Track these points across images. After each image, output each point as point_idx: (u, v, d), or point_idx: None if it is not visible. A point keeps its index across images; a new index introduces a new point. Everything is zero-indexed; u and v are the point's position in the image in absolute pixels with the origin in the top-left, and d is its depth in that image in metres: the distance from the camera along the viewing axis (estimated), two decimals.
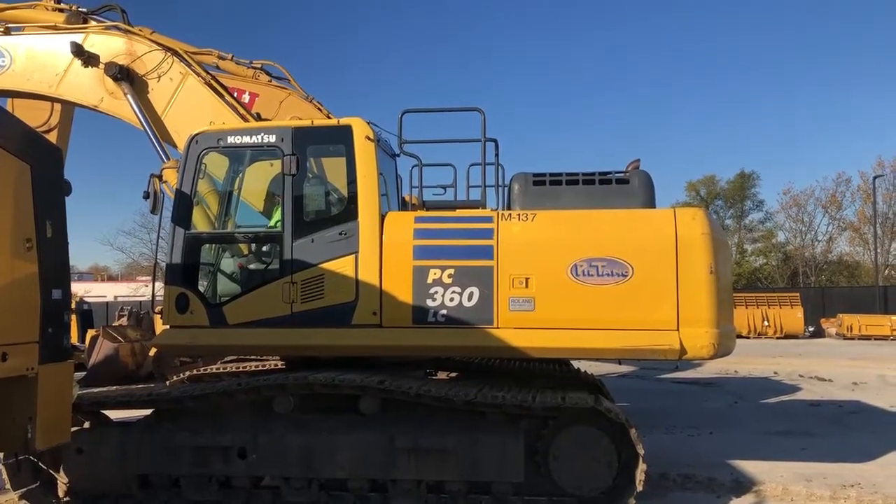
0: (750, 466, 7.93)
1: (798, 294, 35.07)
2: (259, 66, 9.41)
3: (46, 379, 4.50)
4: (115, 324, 17.01)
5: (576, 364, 8.62)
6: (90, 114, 8.64)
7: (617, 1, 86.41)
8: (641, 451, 5.81)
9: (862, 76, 74.12)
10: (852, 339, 30.87)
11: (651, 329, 6.07)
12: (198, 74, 8.04)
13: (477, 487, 6.20)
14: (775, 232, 58.05)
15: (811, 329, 34.25)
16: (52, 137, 9.95)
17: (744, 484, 7.24)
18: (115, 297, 47.04)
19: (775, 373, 17.45)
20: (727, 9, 78.13)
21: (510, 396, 6.05)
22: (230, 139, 6.68)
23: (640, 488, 5.84)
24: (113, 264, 68.48)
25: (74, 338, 19.90)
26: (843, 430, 10.15)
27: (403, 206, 7.99)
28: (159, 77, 8.11)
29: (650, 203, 6.63)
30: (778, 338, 32.02)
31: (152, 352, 13.11)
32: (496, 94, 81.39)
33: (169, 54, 8.09)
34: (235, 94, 8.96)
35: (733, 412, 11.85)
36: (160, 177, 6.70)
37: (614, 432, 6.04)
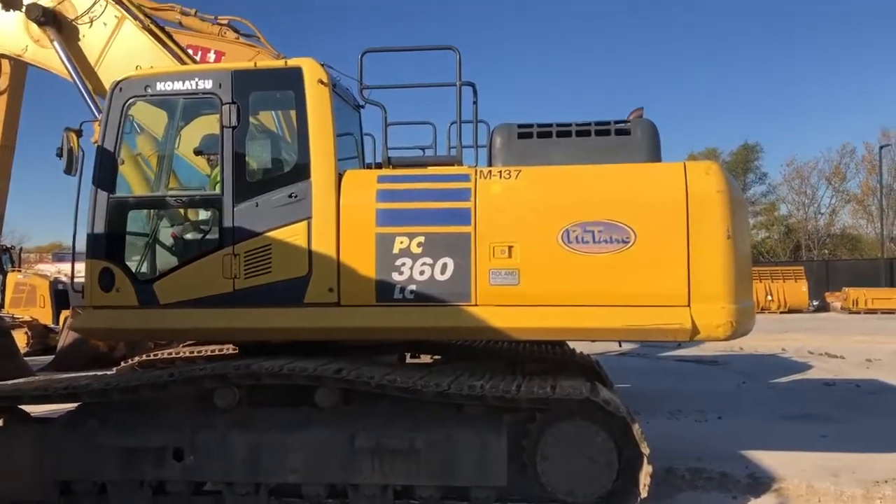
0: (766, 458, 7.03)
1: (802, 267, 34.34)
2: (226, 21, 8.42)
3: None
4: None
5: (572, 343, 7.69)
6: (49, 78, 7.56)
7: None
8: (646, 451, 4.89)
9: (872, 43, 72.52)
10: (858, 313, 30.14)
11: (657, 305, 5.12)
12: (136, 18, 7.03)
13: (453, 492, 5.27)
14: (777, 205, 57.40)
15: (815, 303, 33.54)
16: (2, 101, 9.02)
17: (762, 480, 6.34)
18: None
19: (783, 349, 16.58)
20: None
21: (490, 386, 5.10)
22: (160, 86, 5.67)
23: (644, 494, 4.92)
24: None
25: (50, 320, 19.03)
26: (864, 414, 9.24)
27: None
28: (91, 22, 7.10)
29: (655, 157, 5.61)
30: (782, 312, 31.24)
31: None
32: (483, 41, 79.14)
33: None
34: (199, 54, 8.00)
35: (742, 394, 10.95)
36: (77, 131, 5.70)
37: (614, 427, 5.11)
